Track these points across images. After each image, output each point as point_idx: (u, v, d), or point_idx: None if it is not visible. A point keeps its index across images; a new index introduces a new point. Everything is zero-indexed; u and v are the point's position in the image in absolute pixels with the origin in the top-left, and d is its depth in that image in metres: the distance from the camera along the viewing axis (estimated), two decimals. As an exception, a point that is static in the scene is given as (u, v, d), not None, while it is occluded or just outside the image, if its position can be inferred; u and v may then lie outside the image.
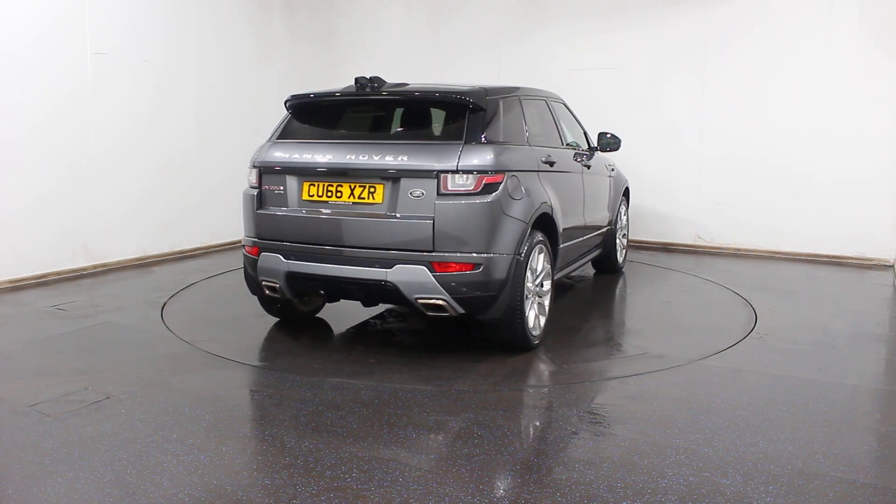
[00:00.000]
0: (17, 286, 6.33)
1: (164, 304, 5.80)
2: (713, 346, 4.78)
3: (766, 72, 7.74)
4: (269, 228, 4.61)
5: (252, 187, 4.73)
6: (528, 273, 4.48)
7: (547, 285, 4.81)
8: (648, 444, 3.29)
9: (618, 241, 7.00)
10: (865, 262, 7.46)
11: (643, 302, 6.38)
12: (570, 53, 8.63)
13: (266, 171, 4.65)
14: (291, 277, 4.52)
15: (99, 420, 3.52)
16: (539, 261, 4.65)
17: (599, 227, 6.36)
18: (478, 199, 4.16)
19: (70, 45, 6.73)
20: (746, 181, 7.96)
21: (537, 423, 3.52)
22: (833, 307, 5.87)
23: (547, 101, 5.69)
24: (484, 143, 4.32)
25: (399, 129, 4.74)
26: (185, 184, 8.00)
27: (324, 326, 5.31)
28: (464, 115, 4.41)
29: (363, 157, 4.33)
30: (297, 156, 4.55)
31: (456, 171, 4.15)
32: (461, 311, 4.28)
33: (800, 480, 2.95)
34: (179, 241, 7.96)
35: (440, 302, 4.20)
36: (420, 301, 4.24)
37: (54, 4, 6.56)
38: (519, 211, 4.37)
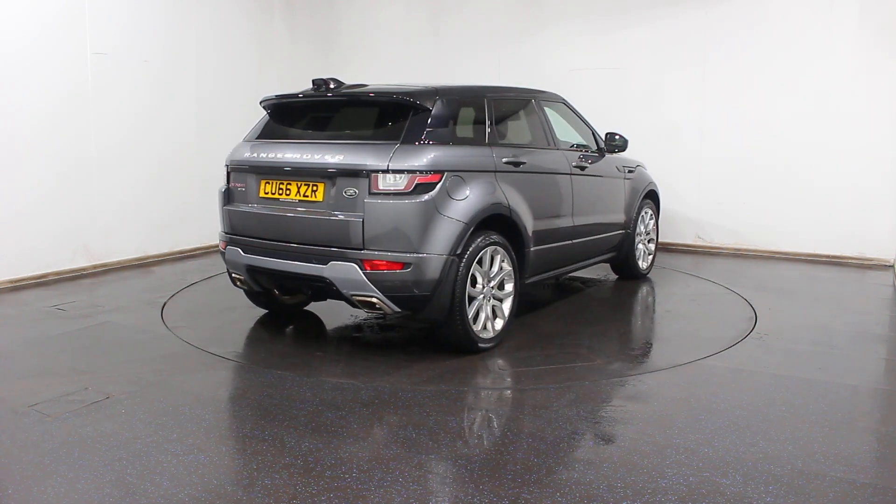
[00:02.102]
0: (17, 286, 6.33)
1: (164, 304, 5.80)
2: (713, 346, 4.78)
3: (766, 72, 7.73)
4: (233, 224, 4.87)
5: (224, 184, 4.99)
6: (478, 275, 4.49)
7: (509, 287, 4.75)
8: (648, 444, 3.29)
9: (641, 245, 6.75)
10: (865, 262, 7.45)
11: (639, 303, 6.35)
12: (570, 53, 8.62)
13: (233, 170, 4.91)
14: (250, 270, 4.76)
15: (99, 420, 3.52)
16: (495, 262, 4.62)
17: (607, 231, 6.16)
18: (408, 199, 4.19)
19: (70, 45, 6.73)
20: (746, 181, 7.96)
21: (537, 424, 3.52)
22: (833, 307, 5.86)
23: (536, 101, 5.56)
24: (422, 143, 4.34)
25: (346, 130, 4.83)
26: (184, 183, 8.00)
27: (317, 321, 5.33)
28: (407, 115, 4.46)
29: (307, 156, 4.49)
30: (255, 155, 4.75)
31: (387, 171, 4.20)
32: (396, 309, 4.34)
33: (800, 480, 2.95)
34: (179, 241, 7.96)
35: (373, 300, 4.29)
36: (355, 298, 4.34)
37: (54, 4, 6.56)
38: (459, 211, 4.32)
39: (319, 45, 9.91)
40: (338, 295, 4.44)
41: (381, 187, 4.20)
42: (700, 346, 4.77)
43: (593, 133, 6.18)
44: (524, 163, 4.97)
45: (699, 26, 8.02)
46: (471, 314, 4.46)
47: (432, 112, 4.45)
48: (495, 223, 4.63)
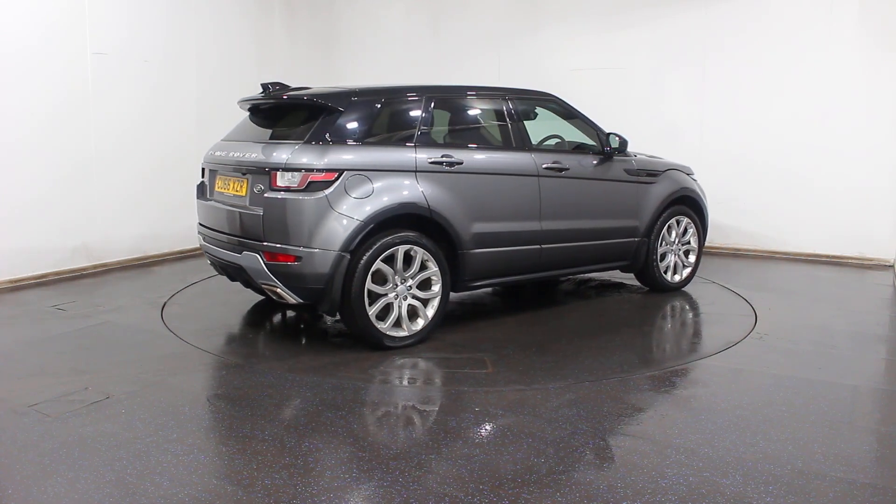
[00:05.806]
0: (17, 286, 6.33)
1: (164, 304, 5.80)
2: (713, 346, 4.78)
3: (766, 71, 7.73)
4: (200, 215, 5.40)
5: (200, 179, 5.45)
6: (387, 273, 4.55)
7: (436, 288, 4.75)
8: (648, 444, 3.29)
9: (672, 256, 6.25)
10: (865, 263, 7.45)
11: (637, 307, 6.24)
12: (571, 53, 8.62)
13: (204, 167, 5.37)
14: (207, 257, 5.29)
15: (99, 420, 3.52)
16: (414, 262, 4.64)
17: (607, 237, 5.80)
18: (301, 196, 4.39)
19: (71, 46, 6.73)
20: (746, 181, 7.95)
21: (537, 424, 3.52)
22: (833, 307, 5.86)
23: (508, 100, 5.38)
24: (326, 142, 4.51)
25: (274, 130, 5.07)
26: (184, 183, 7.94)
27: (317, 317, 5.33)
28: (319, 116, 4.64)
29: (238, 154, 4.81)
30: (214, 153, 5.17)
31: (284, 169, 4.41)
32: (298, 299, 4.56)
33: (800, 480, 2.95)
34: (179, 241, 7.95)
35: (276, 289, 4.54)
36: (263, 286, 4.65)
37: (55, 5, 6.56)
38: (355, 209, 4.43)
39: (319, 46, 9.90)
40: (253, 283, 4.74)
41: (279, 184, 4.42)
42: (700, 346, 4.77)
43: (598, 134, 5.86)
44: (460, 163, 4.89)
45: (699, 25, 8.02)
46: (373, 311, 4.52)
47: (343, 113, 4.62)
48: (419, 223, 4.70)
